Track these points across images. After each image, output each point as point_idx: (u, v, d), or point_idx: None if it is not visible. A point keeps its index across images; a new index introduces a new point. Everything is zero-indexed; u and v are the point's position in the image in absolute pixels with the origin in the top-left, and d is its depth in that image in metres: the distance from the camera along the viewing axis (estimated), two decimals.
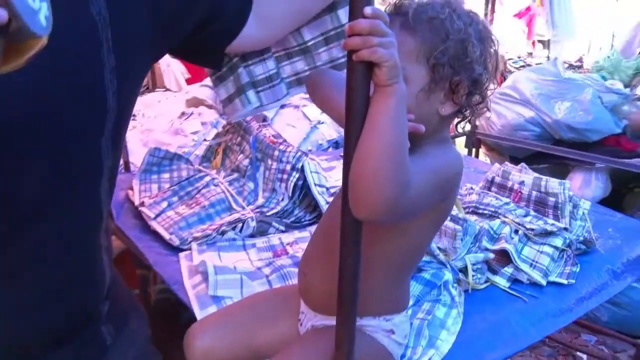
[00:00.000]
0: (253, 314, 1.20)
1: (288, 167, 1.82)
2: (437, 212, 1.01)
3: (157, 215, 1.72)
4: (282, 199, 1.80)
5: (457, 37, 0.92)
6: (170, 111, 2.85)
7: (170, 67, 4.43)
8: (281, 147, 1.87)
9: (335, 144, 2.76)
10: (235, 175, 1.89)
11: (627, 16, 5.49)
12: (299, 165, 1.83)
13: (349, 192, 0.81)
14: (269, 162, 1.86)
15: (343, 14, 1.21)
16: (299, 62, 1.26)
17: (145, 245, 1.66)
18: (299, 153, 1.86)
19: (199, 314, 1.33)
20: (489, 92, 0.97)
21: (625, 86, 3.17)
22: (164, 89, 4.16)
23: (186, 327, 1.24)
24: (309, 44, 1.24)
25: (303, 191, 1.85)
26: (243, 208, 1.77)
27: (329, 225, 1.09)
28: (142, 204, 1.80)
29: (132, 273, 2.27)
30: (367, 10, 0.77)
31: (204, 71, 4.52)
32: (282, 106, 2.81)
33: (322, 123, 2.77)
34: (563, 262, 1.61)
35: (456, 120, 1.01)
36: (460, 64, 0.93)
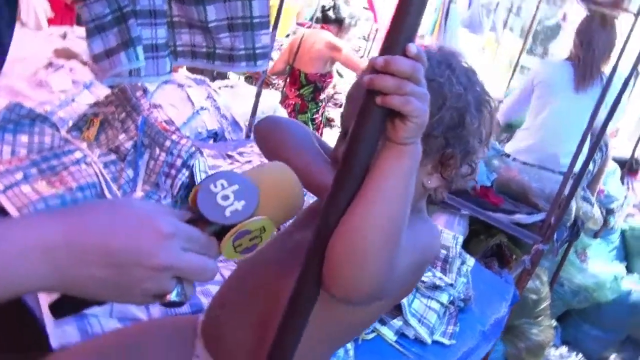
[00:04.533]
0: (136, 350, 0.97)
1: (179, 162, 1.59)
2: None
3: (8, 188, 1.38)
4: (165, 197, 1.57)
5: (455, 104, 0.81)
6: (32, 57, 2.41)
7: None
8: (174, 136, 1.63)
9: (215, 135, 2.54)
10: (113, 157, 1.61)
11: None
12: (192, 162, 1.60)
13: (328, 264, 0.66)
14: (157, 151, 1.61)
15: (257, 5, 1.13)
16: (197, 36, 1.18)
17: None
18: (194, 148, 1.63)
19: (52, 333, 1.07)
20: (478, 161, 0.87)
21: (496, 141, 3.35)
22: (20, 24, 3.55)
23: (31, 345, 0.98)
24: (211, 25, 1.13)
25: (187, 191, 1.63)
26: (116, 197, 1.50)
27: (263, 266, 0.92)
28: None
29: None
30: (412, 49, 0.62)
31: (72, 14, 3.98)
32: (165, 81, 2.52)
33: (205, 109, 2.53)
34: (446, 320, 1.59)
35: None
36: (455, 136, 0.82)
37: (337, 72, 4.86)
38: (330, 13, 3.78)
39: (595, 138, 2.56)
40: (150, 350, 0.97)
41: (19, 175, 1.43)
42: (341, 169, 0.67)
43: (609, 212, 4.01)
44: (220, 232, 0.67)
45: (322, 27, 3.79)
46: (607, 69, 2.90)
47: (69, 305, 0.66)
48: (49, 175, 1.47)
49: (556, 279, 3.67)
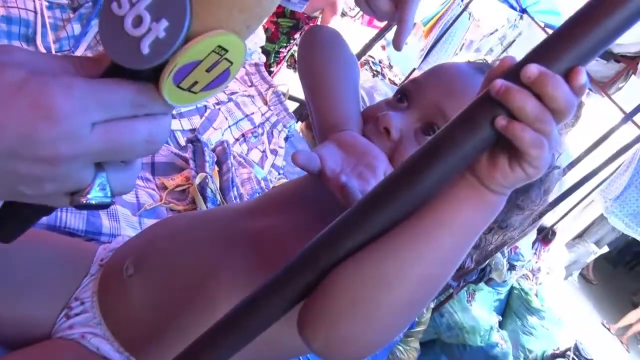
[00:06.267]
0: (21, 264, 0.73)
1: None
2: None
3: None
4: None
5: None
6: None
7: None
8: None
9: None
10: (63, 0, 1.28)
11: None
12: None
13: (321, 305, 0.47)
14: None
15: None
16: None
17: None
18: None
19: None
20: None
21: None
22: None
23: None
24: None
25: None
26: (48, 51, 1.19)
27: (203, 236, 0.70)
28: None
29: None
30: (581, 77, 0.40)
31: None
32: None
33: None
34: None
35: None
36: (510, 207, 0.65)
37: None
38: None
39: None
40: (53, 267, 0.75)
41: None
42: (398, 177, 0.45)
43: (510, 267, 4.09)
44: (156, 72, 0.40)
45: None
46: None
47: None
48: None
49: (440, 309, 3.68)
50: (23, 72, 0.36)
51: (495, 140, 0.43)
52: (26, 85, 0.36)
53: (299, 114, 2.91)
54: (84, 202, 0.40)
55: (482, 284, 3.91)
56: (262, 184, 1.60)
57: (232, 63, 0.41)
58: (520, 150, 0.42)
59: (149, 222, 1.12)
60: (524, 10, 5.06)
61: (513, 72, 0.42)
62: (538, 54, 0.42)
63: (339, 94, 0.73)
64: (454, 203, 0.46)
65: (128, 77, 0.39)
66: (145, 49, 0.37)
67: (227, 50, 0.40)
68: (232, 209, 0.81)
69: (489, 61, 0.74)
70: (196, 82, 0.41)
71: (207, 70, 0.41)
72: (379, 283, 0.46)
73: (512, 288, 4.48)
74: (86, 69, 0.40)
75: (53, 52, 1.18)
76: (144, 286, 0.71)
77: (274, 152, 1.93)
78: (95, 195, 0.40)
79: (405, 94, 0.71)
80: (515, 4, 5.06)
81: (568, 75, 0.41)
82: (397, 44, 0.70)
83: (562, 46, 0.41)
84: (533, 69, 0.40)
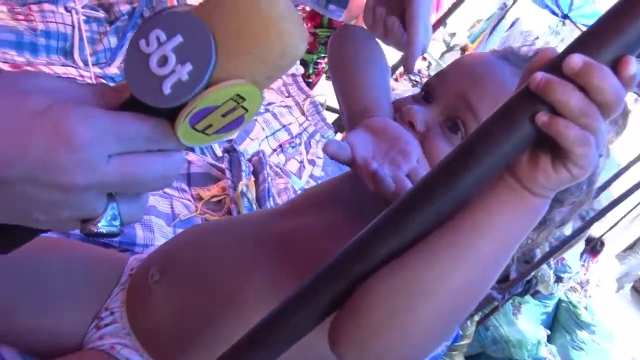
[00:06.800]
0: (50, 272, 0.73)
1: None
2: None
3: None
4: None
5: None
6: None
7: None
8: None
9: None
10: (101, 14, 1.30)
11: None
12: None
13: (357, 314, 0.43)
14: None
15: None
16: None
17: None
18: None
19: None
20: None
21: None
22: None
23: None
24: None
25: None
26: (85, 64, 1.21)
27: (233, 241, 0.68)
28: None
29: None
30: (631, 67, 0.37)
31: None
32: None
33: None
34: None
35: None
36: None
37: None
38: None
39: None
40: (84, 277, 0.76)
41: None
42: (432, 179, 0.42)
43: (557, 280, 3.96)
44: (173, 111, 0.41)
45: None
46: None
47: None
48: (14, 1, 1.16)
49: (484, 322, 3.59)
50: (47, 99, 0.37)
51: (536, 139, 0.40)
52: (49, 111, 0.37)
53: (338, 125, 2.89)
54: (95, 230, 0.41)
55: (528, 297, 3.79)
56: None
57: (247, 110, 0.43)
58: (564, 149, 0.39)
59: None
60: (565, 16, 4.94)
61: (555, 64, 0.39)
62: (582, 44, 0.39)
63: (368, 81, 0.72)
64: (493, 207, 0.43)
65: (145, 111, 0.40)
66: (167, 89, 0.38)
67: (244, 99, 0.42)
68: (262, 213, 0.80)
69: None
70: (210, 125, 0.42)
71: (223, 115, 0.42)
72: (415, 292, 0.43)
73: (559, 301, 4.34)
74: (107, 98, 0.41)
75: (90, 64, 1.20)
76: (168, 292, 0.69)
77: (312, 163, 1.92)
78: (105, 224, 0.41)
79: (430, 88, 0.69)
80: (556, 10, 4.94)
81: (615, 66, 0.37)
82: (407, 68, 0.72)
83: (608, 34, 0.38)
84: (577, 60, 0.37)
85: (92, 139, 0.37)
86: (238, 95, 0.41)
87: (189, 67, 0.38)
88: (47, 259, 0.74)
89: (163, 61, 0.39)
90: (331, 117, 2.70)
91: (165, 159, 0.42)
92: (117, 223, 0.42)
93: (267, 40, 0.40)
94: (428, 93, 0.68)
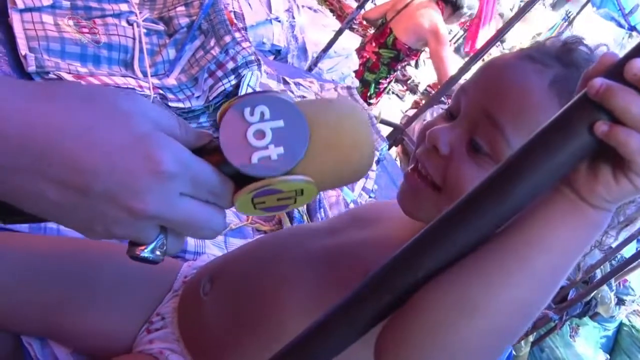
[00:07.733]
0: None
1: (230, 65, 1.32)
2: None
3: (27, 10, 1.13)
4: (199, 98, 1.31)
5: None
6: None
7: None
8: (237, 34, 1.36)
9: (277, 53, 2.25)
10: (161, 27, 1.34)
11: None
12: (244, 72, 1.34)
13: (408, 333, 0.42)
14: (212, 42, 1.33)
15: None
16: None
17: None
18: (254, 57, 1.36)
19: None
20: None
21: None
22: None
23: None
24: None
25: (224, 99, 1.38)
26: (145, 75, 1.25)
27: (283, 256, 0.69)
28: None
29: None
30: None
31: None
32: None
33: (279, 21, 2.24)
34: None
35: None
36: None
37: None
38: None
39: None
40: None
41: (46, 0, 1.17)
42: (483, 189, 0.41)
43: (619, 302, 3.80)
44: (240, 176, 0.45)
45: (437, 3, 3.35)
46: None
47: None
48: (80, 15, 1.21)
49: (539, 343, 3.46)
50: (146, 125, 0.40)
51: (595, 148, 0.38)
52: (146, 138, 0.39)
53: (393, 139, 2.87)
54: (139, 255, 0.44)
55: (586, 319, 3.64)
56: (351, 206, 1.57)
57: (295, 202, 0.47)
58: (626, 159, 0.37)
59: (234, 241, 1.12)
60: (632, 28, 4.75)
61: (615, 69, 0.37)
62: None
63: None
64: (548, 220, 0.41)
65: (218, 165, 0.44)
66: (255, 159, 0.43)
67: (302, 194, 0.46)
68: (312, 227, 0.80)
69: None
70: (264, 202, 0.46)
71: (278, 199, 0.46)
72: (460, 308, 0.41)
73: (621, 324, 4.14)
74: (189, 135, 0.44)
75: (149, 75, 1.23)
76: (217, 302, 0.70)
77: (365, 175, 1.91)
78: (149, 252, 0.44)
79: (455, 102, 0.64)
80: (623, 22, 4.77)
81: None
82: None
83: None
84: (639, 64, 0.35)
85: (176, 173, 0.40)
86: (301, 189, 0.46)
87: (280, 150, 0.43)
88: (100, 262, 0.76)
89: (260, 135, 0.43)
90: (385, 130, 2.69)
91: (220, 214, 0.45)
92: (159, 253, 0.45)
93: (354, 164, 0.47)
94: (456, 106, 0.64)
